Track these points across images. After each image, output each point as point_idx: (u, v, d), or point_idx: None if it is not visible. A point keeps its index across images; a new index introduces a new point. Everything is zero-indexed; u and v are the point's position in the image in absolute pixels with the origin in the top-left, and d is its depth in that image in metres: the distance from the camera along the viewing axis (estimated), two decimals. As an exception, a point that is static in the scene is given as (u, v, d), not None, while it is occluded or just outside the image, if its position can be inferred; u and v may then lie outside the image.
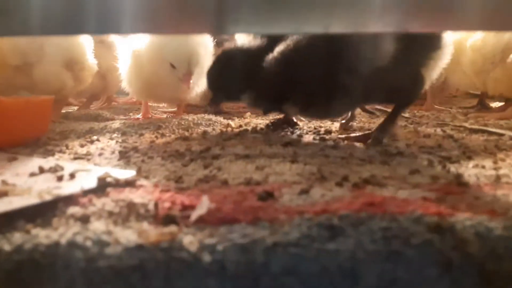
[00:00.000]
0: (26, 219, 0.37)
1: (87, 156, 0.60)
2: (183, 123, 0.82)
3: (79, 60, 0.95)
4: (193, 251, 0.32)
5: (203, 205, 0.37)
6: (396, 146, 0.64)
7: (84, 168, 0.50)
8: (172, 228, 0.34)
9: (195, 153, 0.61)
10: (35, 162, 0.56)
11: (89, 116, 0.94)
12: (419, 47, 0.64)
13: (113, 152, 0.62)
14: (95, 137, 0.72)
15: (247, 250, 0.31)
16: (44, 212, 0.38)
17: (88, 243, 0.32)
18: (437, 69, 0.69)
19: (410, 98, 0.69)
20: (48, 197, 0.39)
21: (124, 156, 0.59)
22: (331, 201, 0.39)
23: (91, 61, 0.98)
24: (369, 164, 0.53)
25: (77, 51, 0.95)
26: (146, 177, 0.48)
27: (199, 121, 0.83)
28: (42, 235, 0.34)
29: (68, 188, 0.42)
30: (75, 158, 0.59)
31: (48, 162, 0.54)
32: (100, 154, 0.61)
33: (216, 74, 0.79)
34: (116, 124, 0.82)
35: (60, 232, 0.34)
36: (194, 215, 0.36)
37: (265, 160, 0.55)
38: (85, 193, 0.42)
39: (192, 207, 0.38)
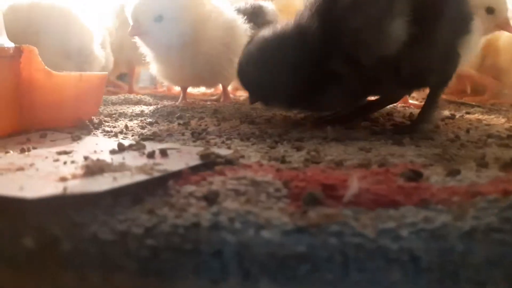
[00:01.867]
0: (132, 198, 0.31)
1: (156, 137, 0.53)
2: (238, 108, 0.76)
3: (83, 49, 0.86)
4: (371, 237, 0.25)
5: (354, 185, 0.31)
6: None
7: (173, 146, 0.44)
8: (330, 209, 0.28)
9: (273, 135, 0.54)
10: (106, 141, 0.50)
11: (130, 101, 0.87)
12: (454, 23, 0.55)
13: (182, 134, 0.55)
14: (151, 119, 0.66)
15: (440, 236, 0.25)
16: (152, 190, 0.32)
17: (238, 225, 0.26)
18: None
19: (448, 77, 0.58)
20: (156, 173, 0.33)
21: (199, 137, 0.53)
22: (494, 182, 0.33)
23: (98, 52, 0.88)
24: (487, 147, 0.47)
25: (82, 39, 0.86)
26: (242, 157, 0.42)
27: (254, 106, 0.76)
28: (172, 216, 0.27)
29: (169, 165, 0.36)
30: (142, 139, 0.52)
31: (123, 141, 0.48)
32: (169, 135, 0.54)
33: (253, 69, 0.61)
34: (167, 108, 0.75)
35: (192, 212, 0.28)
36: (348, 195, 0.30)
37: (364, 142, 0.49)
38: (193, 170, 0.35)
39: (332, 187, 0.32)
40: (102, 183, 0.30)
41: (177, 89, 1.21)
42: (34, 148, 0.44)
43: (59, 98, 0.58)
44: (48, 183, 0.31)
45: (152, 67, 0.86)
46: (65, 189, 0.28)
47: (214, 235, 0.25)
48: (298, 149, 0.47)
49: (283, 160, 0.40)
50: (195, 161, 0.37)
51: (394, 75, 0.53)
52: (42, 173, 0.34)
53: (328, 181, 0.32)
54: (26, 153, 0.42)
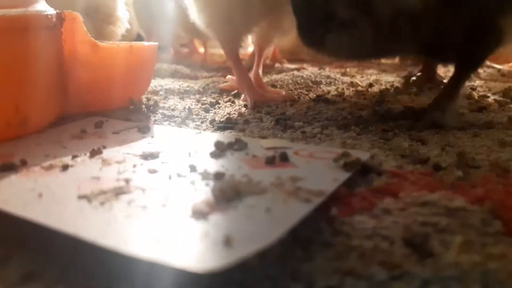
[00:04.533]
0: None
1: (233, 125, 0.44)
2: (298, 81, 0.66)
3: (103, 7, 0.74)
4: None
5: None
6: None
7: (284, 144, 0.35)
8: None
9: (371, 121, 0.45)
10: (183, 134, 0.40)
11: (164, 72, 0.77)
12: None
13: (260, 119, 0.46)
14: (211, 99, 0.56)
15: None
16: (308, 226, 0.23)
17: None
18: None
19: (478, 60, 0.47)
20: (314, 198, 0.24)
21: (286, 126, 0.43)
22: None
23: (122, 13, 0.77)
24: None
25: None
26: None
27: (317, 79, 0.67)
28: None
29: (310, 179, 0.27)
30: (218, 128, 0.43)
31: (218, 137, 0.39)
32: (246, 122, 0.45)
33: None
34: (218, 83, 0.65)
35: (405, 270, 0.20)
36: None
37: (500, 132, 0.41)
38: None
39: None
40: (264, 226, 0.21)
41: (201, 50, 1.10)
42: (104, 147, 0.35)
43: (108, 75, 0.48)
44: (191, 230, 0.21)
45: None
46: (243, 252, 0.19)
47: None
48: (423, 142, 0.38)
49: (436, 166, 0.32)
50: (339, 172, 0.28)
51: (412, 36, 0.42)
52: (156, 202, 0.24)
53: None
54: (99, 156, 0.33)
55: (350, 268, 0.20)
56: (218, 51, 1.11)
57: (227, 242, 0.19)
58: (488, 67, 0.83)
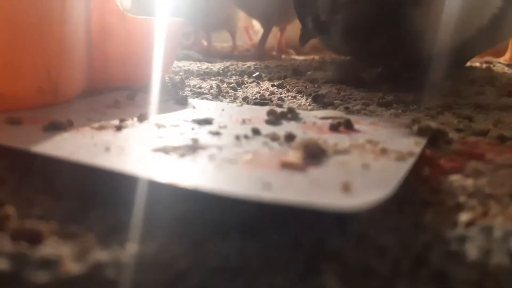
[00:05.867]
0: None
1: (270, 102, 0.42)
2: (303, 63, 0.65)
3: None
4: None
5: None
6: None
7: (338, 114, 0.34)
8: None
9: (406, 103, 0.45)
10: (225, 106, 0.39)
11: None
12: None
13: (294, 97, 0.45)
14: (232, 81, 0.54)
15: None
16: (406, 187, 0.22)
17: None
18: None
19: None
20: (408, 157, 0.23)
21: (325, 103, 0.42)
22: None
23: None
24: None
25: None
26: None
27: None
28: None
29: (388, 142, 0.26)
30: (255, 104, 0.42)
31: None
32: (280, 99, 0.44)
33: None
34: (237, 66, 0.64)
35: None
36: None
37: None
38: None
39: None
40: (370, 178, 0.20)
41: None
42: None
43: (135, 49, 0.46)
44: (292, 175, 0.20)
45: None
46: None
47: None
48: (470, 119, 0.37)
49: (501, 137, 0.31)
50: (415, 137, 0.27)
51: None
52: (240, 157, 0.22)
53: None
54: (147, 121, 0.31)
55: (470, 220, 0.19)
56: (220, 44, 1.10)
57: (345, 188, 0.18)
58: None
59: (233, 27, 1.02)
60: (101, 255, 0.15)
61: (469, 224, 0.18)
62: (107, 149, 0.23)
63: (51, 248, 0.16)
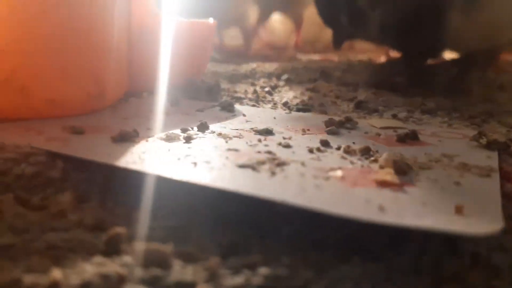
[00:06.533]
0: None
1: (311, 107, 0.42)
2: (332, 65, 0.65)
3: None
4: None
5: None
6: None
7: (397, 124, 0.34)
8: None
9: (447, 109, 0.45)
10: (273, 114, 0.38)
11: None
12: None
13: (334, 103, 0.45)
14: (265, 85, 0.54)
15: None
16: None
17: None
18: None
19: None
20: (486, 171, 0.23)
21: (369, 109, 0.42)
22: None
23: None
24: None
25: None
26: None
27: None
28: None
29: (463, 155, 0.26)
30: (298, 110, 0.42)
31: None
32: (321, 105, 0.44)
33: None
34: (262, 68, 0.63)
35: None
36: None
37: None
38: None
39: None
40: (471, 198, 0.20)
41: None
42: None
43: (172, 51, 0.46)
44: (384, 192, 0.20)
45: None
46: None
47: None
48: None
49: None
50: (484, 150, 0.27)
51: None
52: (327, 173, 0.22)
53: None
54: (208, 131, 0.30)
55: None
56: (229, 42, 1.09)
57: (458, 210, 0.18)
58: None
59: (245, 24, 1.01)
60: (234, 280, 0.15)
61: None
62: (194, 164, 0.23)
63: (180, 272, 0.16)
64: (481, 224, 0.16)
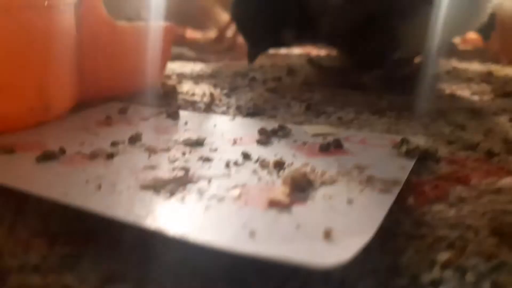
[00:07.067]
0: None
1: (261, 111, 0.43)
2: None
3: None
4: None
5: None
6: None
7: (329, 131, 0.34)
8: None
9: (399, 109, 0.45)
10: (217, 121, 0.39)
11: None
12: None
13: (288, 105, 0.45)
14: (227, 85, 0.54)
15: None
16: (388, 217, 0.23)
17: None
18: None
19: None
20: (392, 187, 0.23)
21: (319, 111, 0.42)
22: None
23: None
24: None
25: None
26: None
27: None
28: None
29: (375, 166, 0.26)
30: (248, 115, 0.42)
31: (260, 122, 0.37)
32: (274, 108, 0.44)
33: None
34: (230, 67, 0.63)
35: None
36: None
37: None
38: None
39: None
40: (354, 218, 0.20)
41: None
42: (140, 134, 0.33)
43: (126, 58, 0.46)
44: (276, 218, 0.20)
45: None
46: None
47: None
48: (462, 128, 0.38)
49: (489, 153, 0.31)
50: (402, 159, 0.28)
51: None
52: (229, 193, 0.23)
53: None
54: (139, 144, 0.31)
55: (447, 260, 0.19)
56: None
57: (326, 235, 0.18)
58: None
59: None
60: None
61: (446, 264, 0.19)
62: (99, 187, 0.23)
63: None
64: (330, 254, 0.17)
